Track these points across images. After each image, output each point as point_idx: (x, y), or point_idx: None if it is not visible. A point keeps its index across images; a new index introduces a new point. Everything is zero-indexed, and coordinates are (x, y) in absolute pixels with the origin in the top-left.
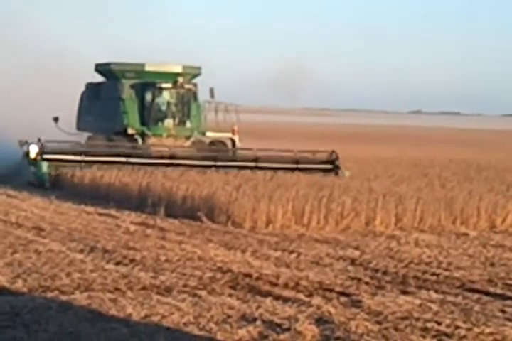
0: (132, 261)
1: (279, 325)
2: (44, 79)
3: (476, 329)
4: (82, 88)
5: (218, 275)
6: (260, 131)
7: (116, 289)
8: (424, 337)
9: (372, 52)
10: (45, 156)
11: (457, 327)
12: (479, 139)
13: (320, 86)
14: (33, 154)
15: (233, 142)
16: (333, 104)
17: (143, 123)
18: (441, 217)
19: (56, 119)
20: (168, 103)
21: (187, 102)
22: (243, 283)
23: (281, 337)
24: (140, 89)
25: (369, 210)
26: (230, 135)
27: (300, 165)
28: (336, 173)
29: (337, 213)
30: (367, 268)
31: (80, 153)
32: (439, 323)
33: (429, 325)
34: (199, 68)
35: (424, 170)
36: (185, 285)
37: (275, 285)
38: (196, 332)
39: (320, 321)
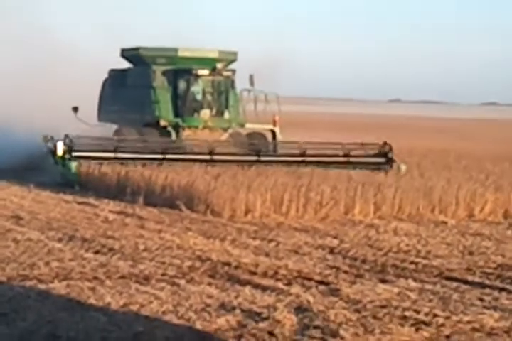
0: (111, 249)
1: (258, 314)
2: (59, 68)
3: (455, 318)
4: (103, 76)
5: (197, 264)
6: None
7: (95, 278)
8: (402, 325)
9: (352, 42)
10: (74, 154)
11: (435, 316)
12: (458, 128)
13: (299, 74)
14: (60, 151)
15: (274, 134)
16: (312, 92)
17: (177, 114)
18: (420, 206)
19: (76, 109)
20: (205, 92)
21: (225, 91)
22: (222, 271)
23: (260, 325)
24: (173, 77)
25: (348, 199)
26: (270, 126)
27: (351, 159)
28: (391, 167)
29: (316, 202)
30: (346, 257)
31: (113, 150)
32: (418, 312)
33: (407, 313)
34: (235, 53)
35: (402, 158)
36: (163, 274)
37: (254, 273)
38: (175, 320)
39: (299, 310)
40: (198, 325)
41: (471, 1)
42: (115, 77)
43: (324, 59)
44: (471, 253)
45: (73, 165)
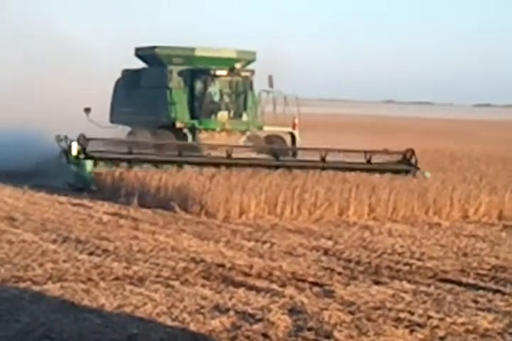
0: (105, 251)
1: (252, 316)
2: (69, 68)
3: (449, 320)
4: (116, 76)
5: (191, 265)
6: None
7: (89, 279)
8: (396, 327)
9: (345, 42)
10: (90, 154)
11: (430, 317)
12: (452, 129)
13: (292, 75)
14: (74, 152)
15: (293, 137)
16: (305, 93)
17: (193, 116)
18: (414, 207)
19: (88, 110)
20: (222, 93)
21: (243, 92)
22: (216, 273)
23: (254, 327)
24: (190, 77)
25: (342, 200)
26: (289, 129)
27: (372, 166)
28: (414, 175)
29: (310, 203)
30: (340, 259)
31: (129, 152)
32: (412, 313)
33: (401, 315)
34: (254, 53)
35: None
36: (158, 276)
37: (248, 275)
38: (169, 322)
39: (293, 311)
40: (192, 327)
41: (468, 1)
42: (129, 77)
43: (317, 60)
44: (465, 255)
45: (88, 165)
